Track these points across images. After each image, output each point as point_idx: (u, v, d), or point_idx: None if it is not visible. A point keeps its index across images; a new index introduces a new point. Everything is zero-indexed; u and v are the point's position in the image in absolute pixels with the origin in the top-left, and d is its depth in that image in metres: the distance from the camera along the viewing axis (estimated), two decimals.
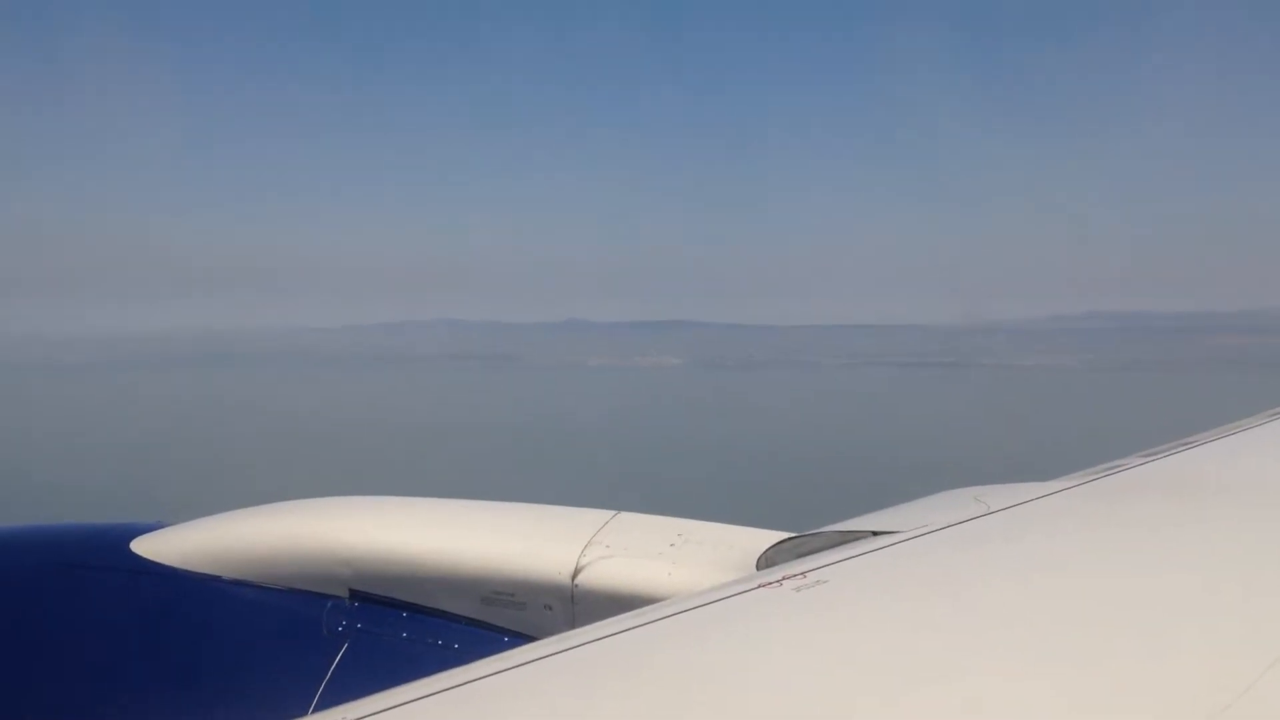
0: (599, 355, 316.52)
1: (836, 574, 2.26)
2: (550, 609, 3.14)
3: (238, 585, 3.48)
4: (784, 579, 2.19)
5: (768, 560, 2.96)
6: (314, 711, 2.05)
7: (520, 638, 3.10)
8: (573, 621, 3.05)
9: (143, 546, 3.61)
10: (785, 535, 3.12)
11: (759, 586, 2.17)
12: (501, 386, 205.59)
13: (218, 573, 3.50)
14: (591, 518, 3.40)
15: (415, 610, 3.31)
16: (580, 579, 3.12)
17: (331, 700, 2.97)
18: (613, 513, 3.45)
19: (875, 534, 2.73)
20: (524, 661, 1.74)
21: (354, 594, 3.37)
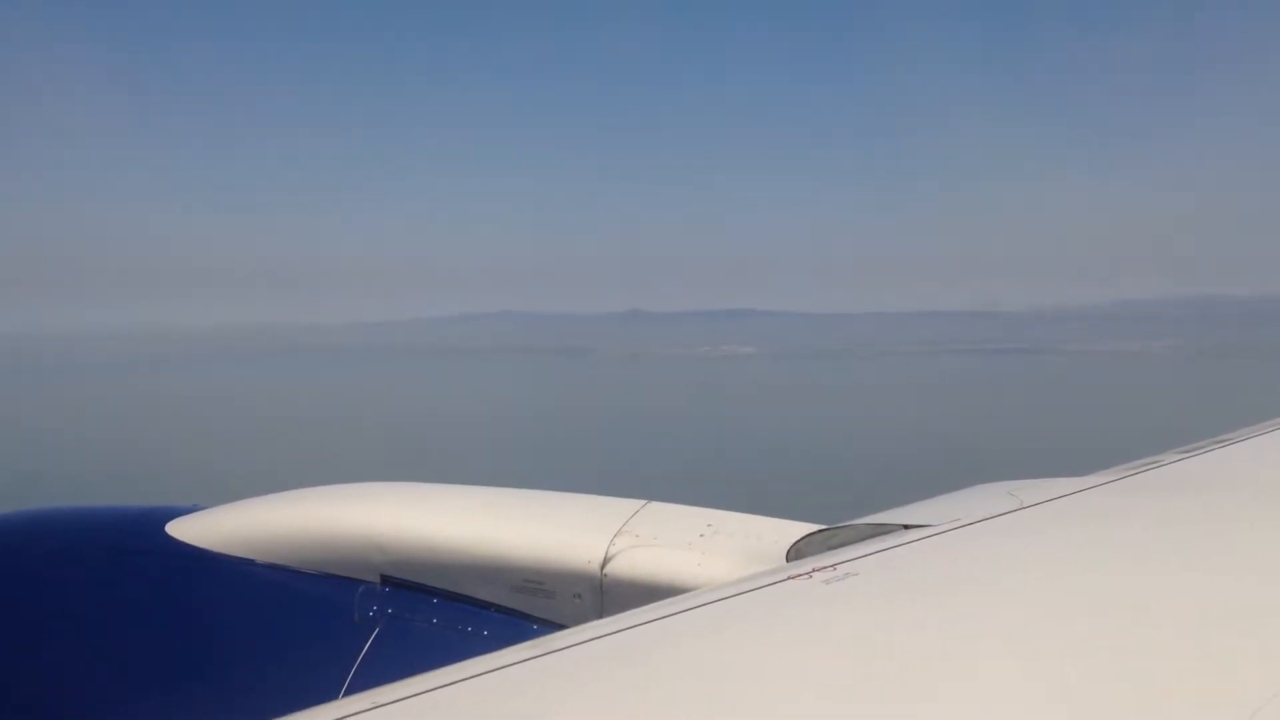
0: (668, 345, 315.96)
1: (866, 567, 2.26)
2: (579, 598, 3.15)
3: (271, 569, 3.52)
4: (813, 571, 2.20)
5: (797, 552, 2.98)
6: (344, 695, 2.12)
7: (550, 626, 3.09)
8: (601, 611, 3.06)
9: (178, 530, 3.66)
10: (815, 527, 3.14)
11: (788, 578, 2.16)
12: (584, 379, 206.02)
13: (252, 556, 3.55)
14: (622, 507, 3.43)
15: (446, 597, 3.34)
16: (609, 568, 3.13)
17: (362, 685, 3.02)
18: (643, 502, 3.46)
19: (906, 527, 2.75)
20: (552, 650, 1.75)
21: (386, 579, 3.40)
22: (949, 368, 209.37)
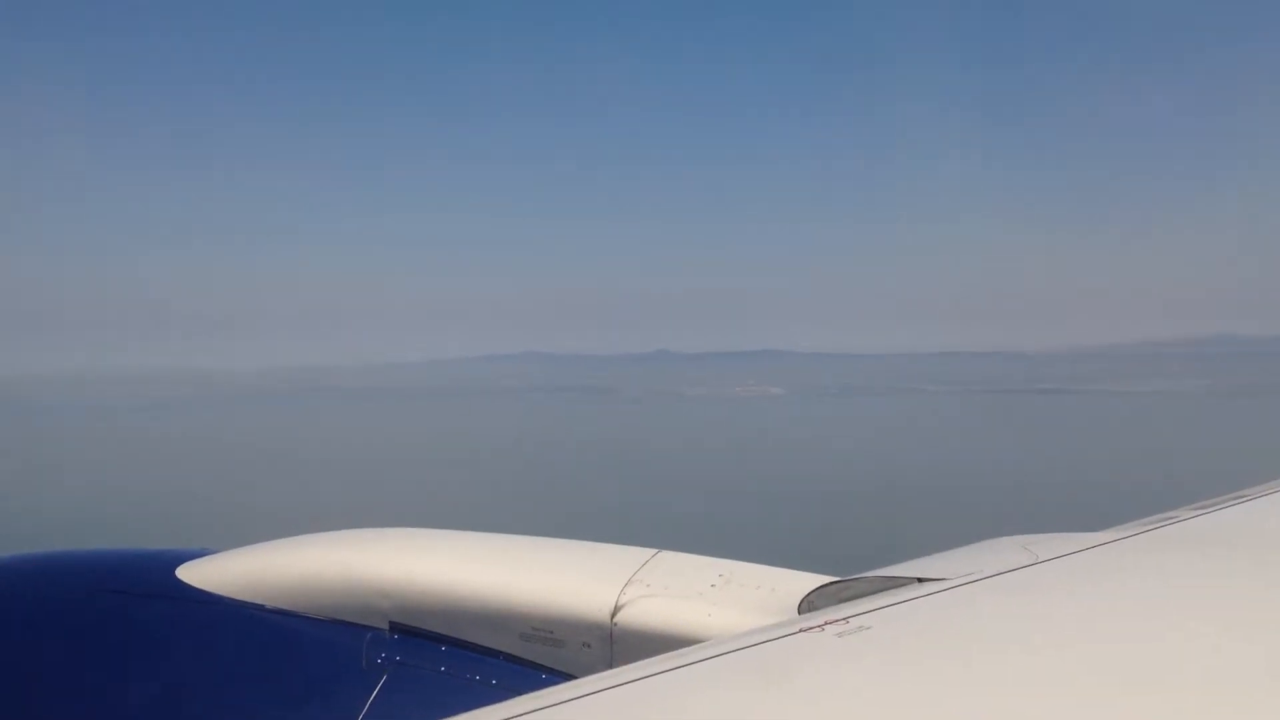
0: (695, 386, 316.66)
1: (879, 620, 2.23)
2: (589, 647, 3.11)
3: (280, 614, 3.51)
4: (826, 624, 2.17)
5: (809, 604, 2.93)
6: None
7: (558, 675, 3.08)
8: (611, 661, 3.03)
9: (188, 573, 3.67)
10: (828, 579, 3.09)
11: (800, 631, 2.14)
12: (612, 420, 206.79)
13: (260, 601, 3.54)
14: (632, 556, 3.40)
15: (455, 644, 3.31)
16: (619, 618, 3.09)
17: None
18: (654, 551, 3.44)
19: (920, 580, 2.70)
20: (560, 700, 1.73)
21: (394, 626, 3.39)
22: (977, 409, 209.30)
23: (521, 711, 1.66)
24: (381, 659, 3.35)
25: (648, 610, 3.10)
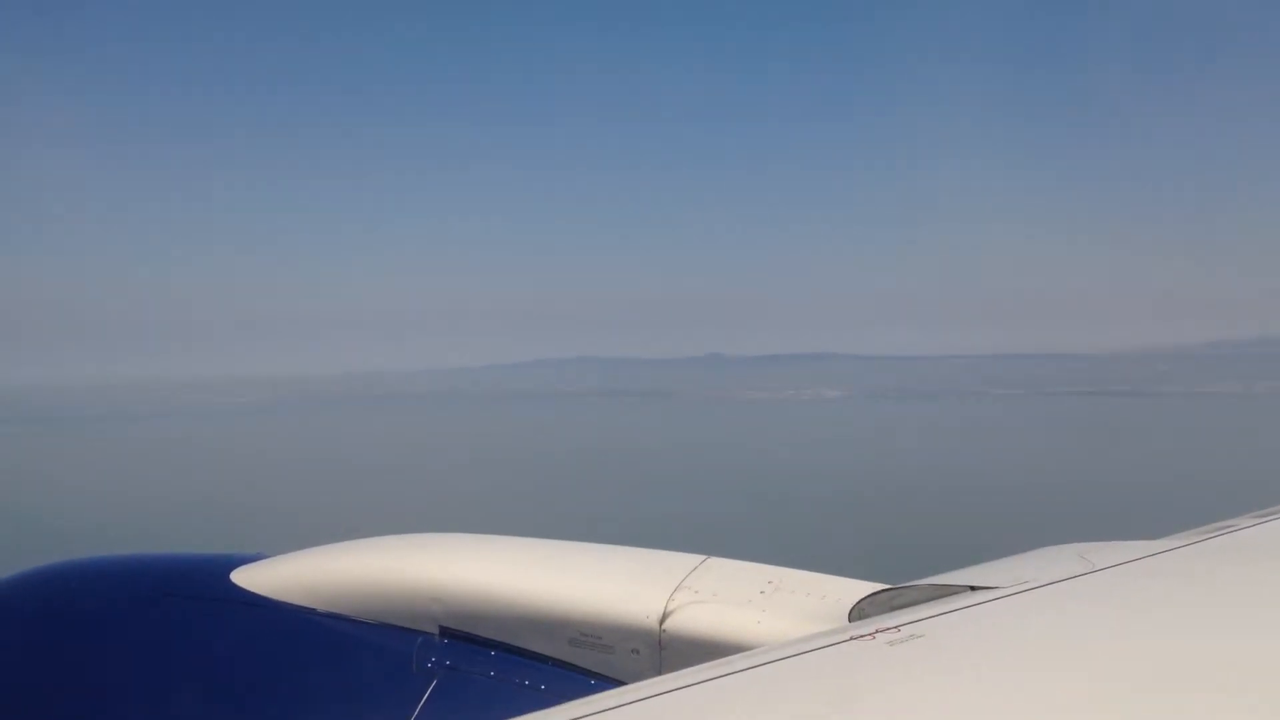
0: (752, 390, 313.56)
1: (931, 629, 2.20)
2: (637, 653, 3.10)
3: (331, 618, 3.55)
4: (877, 632, 2.14)
5: (860, 612, 2.89)
6: None
7: (607, 681, 3.08)
8: (659, 667, 3.01)
9: (242, 577, 3.73)
10: (879, 586, 3.04)
11: (850, 639, 2.11)
12: (671, 424, 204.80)
13: (313, 605, 3.58)
14: (681, 562, 3.39)
15: (504, 649, 3.32)
16: (668, 624, 3.08)
17: None
18: (702, 557, 3.41)
19: (973, 589, 2.68)
20: (609, 707, 1.73)
21: (444, 631, 3.41)
22: (1043, 412, 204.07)
23: (571, 717, 1.67)
24: (431, 663, 3.37)
25: (696, 617, 3.09)
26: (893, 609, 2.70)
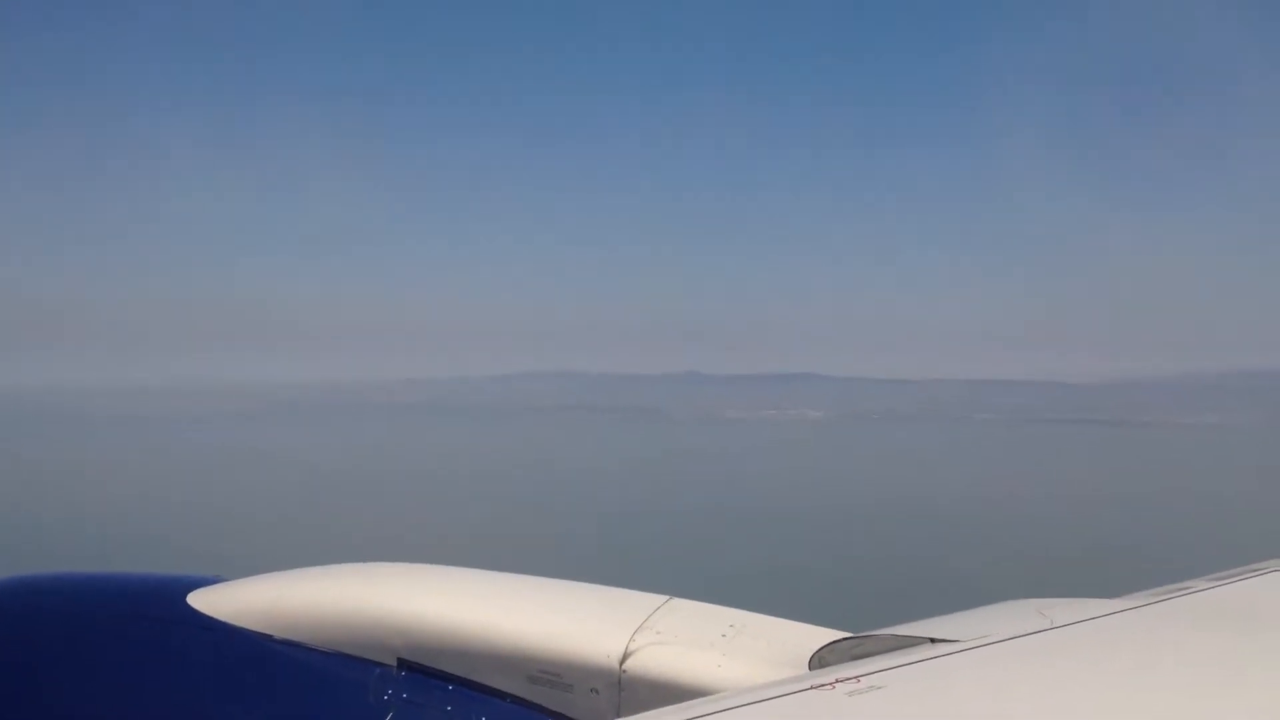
0: (731, 409, 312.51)
1: (891, 680, 2.21)
2: (596, 693, 3.07)
3: (288, 645, 3.46)
4: (837, 681, 2.14)
5: (820, 660, 2.89)
6: None
7: None
8: (619, 708, 3.01)
9: (200, 600, 3.64)
10: (840, 635, 3.05)
11: (810, 688, 2.11)
12: (662, 442, 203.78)
13: (270, 631, 3.50)
14: (644, 602, 3.37)
15: (462, 684, 3.27)
16: (629, 665, 3.06)
17: None
18: (665, 598, 3.40)
19: (933, 641, 2.67)
20: None
21: (402, 663, 3.35)
22: (1026, 439, 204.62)
23: None
24: (388, 696, 3.32)
25: (658, 658, 3.06)
26: (853, 658, 2.71)
